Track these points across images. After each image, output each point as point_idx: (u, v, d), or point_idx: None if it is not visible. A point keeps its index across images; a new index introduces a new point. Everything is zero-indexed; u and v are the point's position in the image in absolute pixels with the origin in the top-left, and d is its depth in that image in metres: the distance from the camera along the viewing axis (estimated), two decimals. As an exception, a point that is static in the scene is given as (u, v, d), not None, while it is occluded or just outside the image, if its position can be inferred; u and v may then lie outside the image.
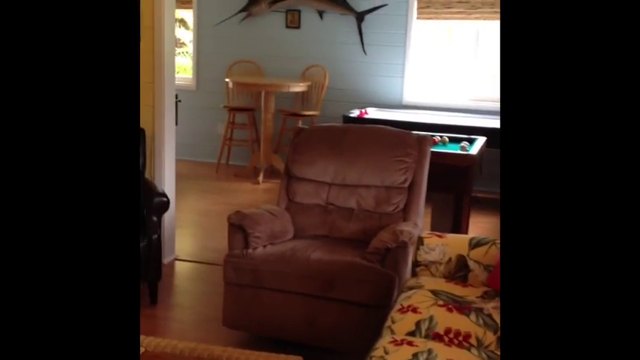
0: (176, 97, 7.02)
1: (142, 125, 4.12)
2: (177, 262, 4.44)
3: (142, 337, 2.65)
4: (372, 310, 2.98)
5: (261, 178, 6.73)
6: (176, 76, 7.55)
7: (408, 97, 7.01)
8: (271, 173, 6.80)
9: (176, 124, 7.00)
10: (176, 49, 7.92)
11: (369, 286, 3.02)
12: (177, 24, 7.90)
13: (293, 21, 7.22)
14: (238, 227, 3.28)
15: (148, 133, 4.15)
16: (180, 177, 6.79)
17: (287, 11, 7.21)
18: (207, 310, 3.66)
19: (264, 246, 3.29)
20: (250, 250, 3.23)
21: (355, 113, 6.27)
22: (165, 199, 3.66)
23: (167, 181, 4.30)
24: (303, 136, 3.76)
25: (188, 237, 5.06)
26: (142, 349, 2.56)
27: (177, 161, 7.26)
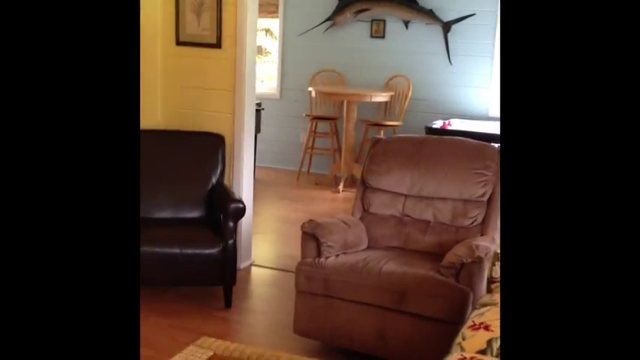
0: (259, 105, 7.17)
1: (221, 132, 4.20)
2: (253, 268, 4.48)
3: (211, 341, 2.69)
4: (445, 325, 2.90)
5: (341, 187, 6.73)
6: (261, 84, 7.71)
7: (495, 109, 6.84)
8: (352, 182, 6.78)
9: (259, 131, 7.14)
10: (262, 57, 8.07)
11: (442, 300, 2.94)
12: (264, 33, 8.03)
13: (378, 30, 7.19)
14: (311, 236, 3.27)
15: (227, 141, 4.21)
16: (261, 184, 6.92)
17: (372, 21, 7.19)
18: (280, 317, 3.67)
19: (337, 255, 3.27)
20: (322, 259, 3.22)
21: (438, 124, 6.16)
22: (241, 205, 3.70)
23: (245, 188, 4.35)
24: (380, 146, 3.72)
25: (266, 243, 5.10)
26: (210, 353, 2.59)
27: (260, 168, 7.40)
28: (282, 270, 4.44)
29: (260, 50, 8.06)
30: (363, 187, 3.71)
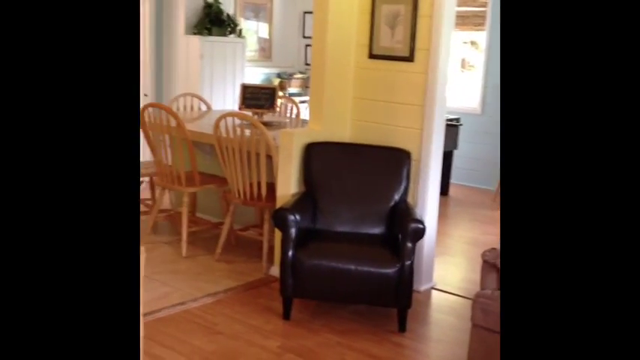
0: (457, 121, 6.92)
1: (408, 148, 4.06)
2: (433, 292, 4.28)
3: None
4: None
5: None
6: (461, 99, 7.45)
7: None
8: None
9: (455, 147, 6.89)
10: (465, 71, 7.79)
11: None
12: (469, 45, 7.76)
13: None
14: (492, 266, 3.02)
15: (413, 157, 4.06)
16: (454, 202, 6.67)
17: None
18: (455, 349, 3.44)
19: (520, 290, 2.97)
20: (502, 293, 2.94)
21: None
22: (421, 225, 3.52)
23: (429, 207, 4.16)
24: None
25: (451, 266, 4.86)
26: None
27: (453, 185, 7.16)
28: (465, 297, 4.18)
29: (463, 63, 7.80)
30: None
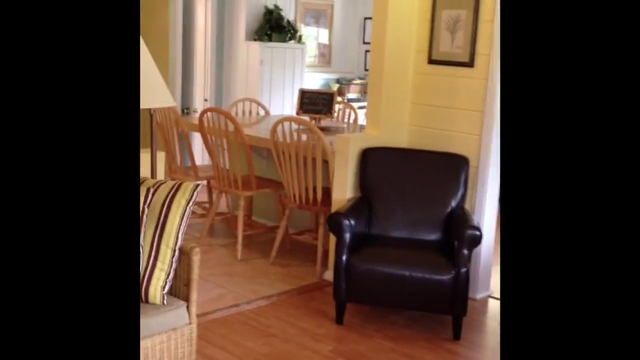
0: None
1: (466, 154, 4.01)
2: (490, 300, 4.20)
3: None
4: None
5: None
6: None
7: None
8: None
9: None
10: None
11: None
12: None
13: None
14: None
15: (472, 163, 4.00)
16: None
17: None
18: (511, 359, 3.36)
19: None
20: (561, 303, 2.86)
21: None
22: (477, 232, 3.46)
23: (487, 214, 4.09)
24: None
25: (509, 275, 4.76)
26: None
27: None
28: (522, 307, 4.08)
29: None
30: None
